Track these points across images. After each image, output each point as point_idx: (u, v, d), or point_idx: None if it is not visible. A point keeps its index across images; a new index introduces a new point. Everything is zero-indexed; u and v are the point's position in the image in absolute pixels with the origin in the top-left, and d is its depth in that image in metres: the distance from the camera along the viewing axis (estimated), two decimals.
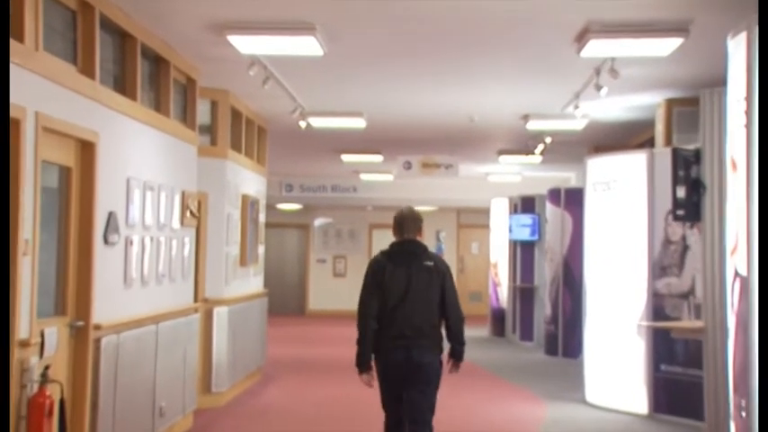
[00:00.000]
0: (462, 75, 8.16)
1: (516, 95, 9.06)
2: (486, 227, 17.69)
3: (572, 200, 12.59)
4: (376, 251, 5.52)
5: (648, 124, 10.27)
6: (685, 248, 8.02)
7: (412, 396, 5.12)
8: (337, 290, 20.46)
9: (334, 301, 20.34)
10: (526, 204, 14.95)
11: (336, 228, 20.95)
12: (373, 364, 5.17)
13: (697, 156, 5.83)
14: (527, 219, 14.77)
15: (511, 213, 15.37)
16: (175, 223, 7.16)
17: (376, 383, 5.20)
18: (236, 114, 9.31)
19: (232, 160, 8.97)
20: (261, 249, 10.50)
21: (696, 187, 5.82)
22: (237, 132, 9.39)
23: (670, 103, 8.62)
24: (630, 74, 7.38)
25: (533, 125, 10.14)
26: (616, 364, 8.68)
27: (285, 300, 20.43)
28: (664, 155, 8.26)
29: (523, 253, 14.92)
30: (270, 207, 19.28)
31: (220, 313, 8.59)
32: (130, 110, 6.08)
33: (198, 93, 7.87)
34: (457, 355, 5.23)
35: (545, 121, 9.96)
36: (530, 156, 12.92)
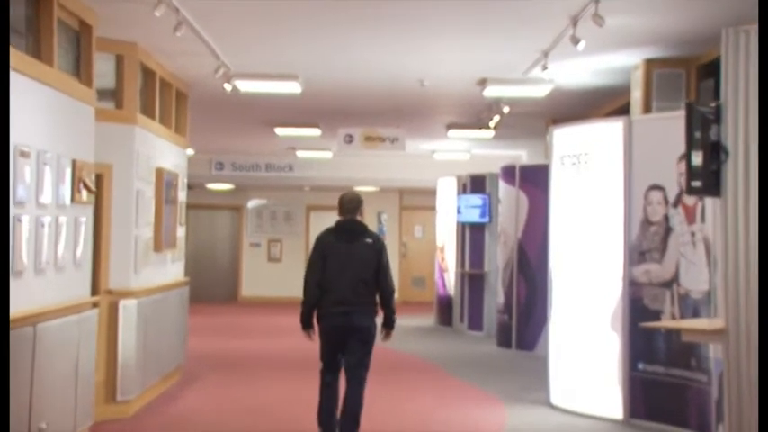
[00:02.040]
0: (414, 28, 6.98)
1: (474, 55, 7.90)
2: (431, 209, 16.61)
3: (528, 178, 11.56)
4: (314, 234, 6.14)
5: (617, 92, 9.25)
6: (668, 230, 6.99)
7: (350, 355, 5.93)
8: (272, 275, 19.26)
9: (268, 288, 19.14)
10: (476, 184, 13.88)
11: (271, 209, 19.66)
12: (316, 323, 5.99)
13: (717, 113, 4.76)
14: (477, 199, 13.71)
15: (459, 194, 14.29)
16: (64, 200, 5.83)
17: (316, 338, 6.02)
18: (148, 74, 7.96)
19: (143, 127, 7.62)
20: (181, 232, 9.17)
21: (716, 152, 4.75)
22: (150, 95, 8.04)
23: (650, 65, 7.55)
24: (611, 25, 6.26)
25: (491, 91, 9.00)
26: (586, 362, 7.63)
27: (216, 286, 19.16)
28: (643, 123, 7.23)
29: (473, 236, 13.87)
30: (199, 187, 17.99)
31: (128, 307, 7.26)
32: None
33: (96, 44, 6.52)
34: (389, 324, 6.06)
35: (505, 86, 8.82)
36: (482, 130, 11.82)
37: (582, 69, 8.33)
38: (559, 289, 8.02)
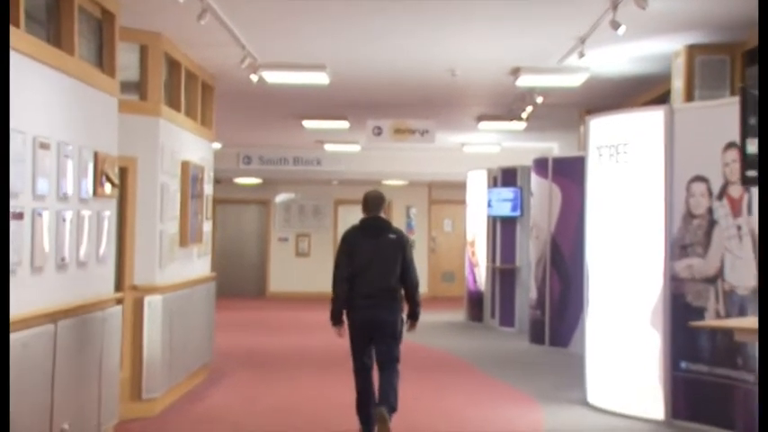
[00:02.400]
0: (445, 16, 6.73)
1: (507, 43, 7.64)
2: (460, 202, 16.33)
3: (561, 170, 11.26)
4: (342, 229, 6.01)
5: (655, 80, 8.95)
6: (712, 224, 6.69)
7: (379, 348, 6.17)
8: (300, 270, 19.10)
9: (296, 283, 18.99)
10: (507, 177, 13.60)
11: (299, 204, 19.50)
12: (345, 318, 6.21)
13: None
14: (508, 192, 13.43)
15: (490, 187, 14.01)
16: (87, 193, 5.66)
17: (345, 334, 6.24)
18: (173, 65, 7.79)
19: (167, 119, 7.45)
20: (207, 227, 9.01)
21: None
22: (175, 87, 7.87)
23: (692, 51, 7.24)
24: (653, 9, 5.97)
25: (524, 81, 8.73)
26: (625, 361, 7.35)
27: (244, 281, 19.06)
28: (685, 112, 6.93)
29: (504, 230, 13.60)
30: (227, 181, 17.86)
31: (153, 303, 7.10)
32: (11, 39, 4.54)
33: (119, 33, 6.34)
34: (414, 316, 6.29)
35: (539, 75, 8.55)
36: (514, 121, 11.55)
37: (619, 57, 8.04)
38: (596, 284, 7.75)
